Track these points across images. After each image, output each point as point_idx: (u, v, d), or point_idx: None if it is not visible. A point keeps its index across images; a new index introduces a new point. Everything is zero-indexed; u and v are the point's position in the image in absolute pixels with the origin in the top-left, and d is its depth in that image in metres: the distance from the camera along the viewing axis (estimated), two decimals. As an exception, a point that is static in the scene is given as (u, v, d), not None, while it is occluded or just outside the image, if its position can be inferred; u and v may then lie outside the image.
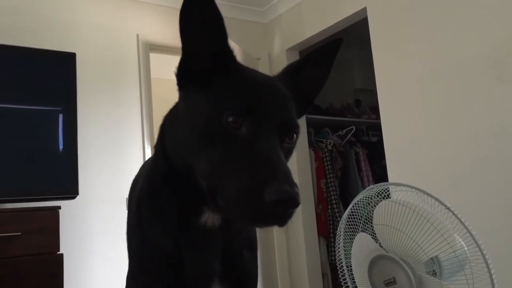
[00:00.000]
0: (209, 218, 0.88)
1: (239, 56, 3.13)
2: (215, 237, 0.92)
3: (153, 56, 3.49)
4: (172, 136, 0.86)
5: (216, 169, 0.74)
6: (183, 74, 0.84)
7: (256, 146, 0.73)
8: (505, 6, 2.39)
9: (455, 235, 1.43)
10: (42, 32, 3.03)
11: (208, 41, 0.82)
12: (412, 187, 1.56)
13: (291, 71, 0.94)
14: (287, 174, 0.70)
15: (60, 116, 2.72)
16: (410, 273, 1.45)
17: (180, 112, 0.85)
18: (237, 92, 0.78)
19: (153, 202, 0.93)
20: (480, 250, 1.39)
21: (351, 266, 1.74)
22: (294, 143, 0.83)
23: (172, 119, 0.88)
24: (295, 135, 0.82)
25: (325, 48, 0.93)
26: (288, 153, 0.82)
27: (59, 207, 2.41)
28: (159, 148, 0.91)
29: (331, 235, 3.88)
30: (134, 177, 1.24)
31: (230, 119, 0.74)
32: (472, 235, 1.41)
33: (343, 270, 1.79)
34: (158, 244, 0.94)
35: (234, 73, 0.81)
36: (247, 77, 0.82)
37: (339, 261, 1.80)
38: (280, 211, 0.67)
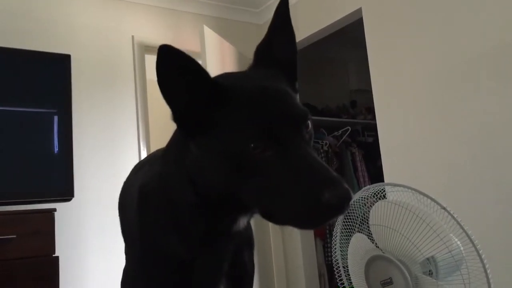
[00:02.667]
0: (241, 221, 0.92)
1: (233, 57, 3.09)
2: (234, 239, 0.96)
3: (148, 58, 3.48)
4: (200, 178, 0.85)
5: (265, 193, 0.76)
6: (183, 125, 0.84)
7: (290, 158, 0.75)
8: (499, 8, 2.40)
9: (451, 235, 1.43)
10: (37, 34, 3.02)
11: (193, 93, 0.80)
12: (408, 187, 1.57)
13: (263, 54, 0.93)
14: (329, 172, 0.73)
15: (55, 118, 2.71)
16: (406, 273, 1.44)
17: (198, 156, 0.84)
18: (244, 122, 0.77)
19: (173, 217, 0.93)
20: (476, 249, 1.40)
21: (347, 267, 1.73)
22: (312, 128, 0.84)
23: (192, 160, 0.86)
24: (309, 122, 0.82)
25: (277, 12, 0.93)
26: (311, 139, 0.84)
27: (55, 210, 2.40)
28: (182, 179, 0.89)
29: (328, 235, 3.89)
30: (126, 181, 1.22)
31: (252, 146, 0.75)
32: (468, 235, 1.41)
33: (339, 270, 1.79)
34: (169, 250, 0.94)
35: (232, 102, 0.79)
36: (245, 99, 0.80)
37: (335, 261, 1.80)
38: (339, 209, 0.72)
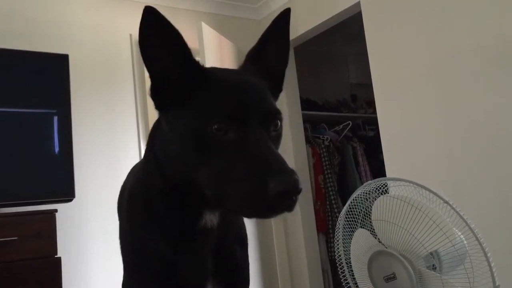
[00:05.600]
0: (208, 219, 0.91)
1: (232, 54, 3.07)
2: (211, 236, 0.95)
3: (147, 56, 3.47)
4: (165, 157, 0.87)
5: (218, 176, 0.77)
6: (157, 97, 0.86)
7: (248, 145, 0.76)
8: (498, 1, 2.39)
9: (454, 229, 1.42)
10: (34, 34, 3.01)
11: (172, 61, 0.83)
12: (410, 182, 1.55)
13: (254, 57, 0.95)
14: (282, 164, 0.74)
15: (55, 119, 2.70)
16: (410, 268, 1.44)
17: (166, 133, 0.86)
18: (213, 101, 0.80)
19: (150, 213, 0.94)
20: (480, 243, 1.39)
21: (350, 263, 1.73)
22: (281, 128, 0.86)
23: (160, 140, 0.89)
24: (279, 122, 0.84)
25: (276, 22, 0.94)
26: (277, 139, 0.85)
27: (56, 210, 2.40)
28: (152, 163, 0.92)
29: (330, 231, 3.88)
30: (123, 184, 1.24)
31: (215, 127, 0.77)
32: (471, 228, 1.40)
33: (342, 266, 1.78)
34: (155, 250, 0.95)
35: (206, 82, 0.82)
36: (220, 82, 0.83)
37: (338, 257, 1.79)
38: (286, 200, 0.72)
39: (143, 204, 0.96)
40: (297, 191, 0.72)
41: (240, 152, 0.76)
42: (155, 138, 0.92)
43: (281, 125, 0.85)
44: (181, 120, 0.82)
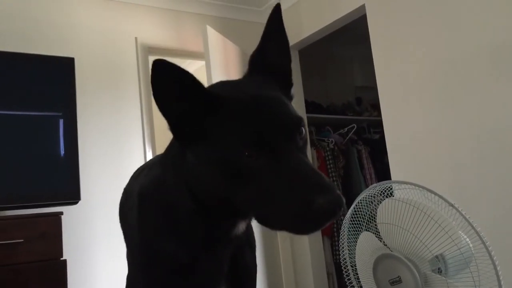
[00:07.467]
0: (240, 227, 0.94)
1: (237, 57, 3.07)
2: (237, 241, 0.98)
3: (152, 59, 3.46)
4: (197, 184, 0.87)
5: (259, 198, 0.78)
6: (177, 133, 0.86)
7: (283, 165, 0.77)
8: (504, 3, 2.37)
9: (460, 232, 1.42)
10: (40, 37, 3.03)
11: (188, 104, 0.82)
12: (415, 185, 1.55)
13: (257, 60, 0.95)
14: (323, 180, 0.74)
15: (61, 121, 2.71)
16: (415, 271, 1.43)
17: (194, 165, 0.86)
18: (238, 129, 0.79)
19: (168, 220, 0.95)
20: (485, 246, 1.38)
21: (355, 266, 1.72)
22: (306, 134, 0.85)
23: (188, 168, 0.88)
24: (303, 129, 0.84)
25: (270, 19, 0.94)
26: (304, 145, 0.85)
27: (61, 213, 2.40)
28: (177, 184, 0.91)
29: (335, 234, 3.87)
30: (125, 188, 1.24)
31: (246, 154, 0.77)
32: (476, 232, 1.40)
33: (347, 270, 1.77)
34: (171, 255, 0.95)
35: (225, 109, 0.81)
36: (239, 106, 0.81)
37: (343, 260, 1.78)
38: (332, 216, 0.73)
39: (159, 210, 0.95)
40: (342, 207, 0.73)
41: (277, 172, 0.76)
42: (179, 161, 0.90)
43: (305, 131, 0.85)
44: (208, 153, 0.81)
